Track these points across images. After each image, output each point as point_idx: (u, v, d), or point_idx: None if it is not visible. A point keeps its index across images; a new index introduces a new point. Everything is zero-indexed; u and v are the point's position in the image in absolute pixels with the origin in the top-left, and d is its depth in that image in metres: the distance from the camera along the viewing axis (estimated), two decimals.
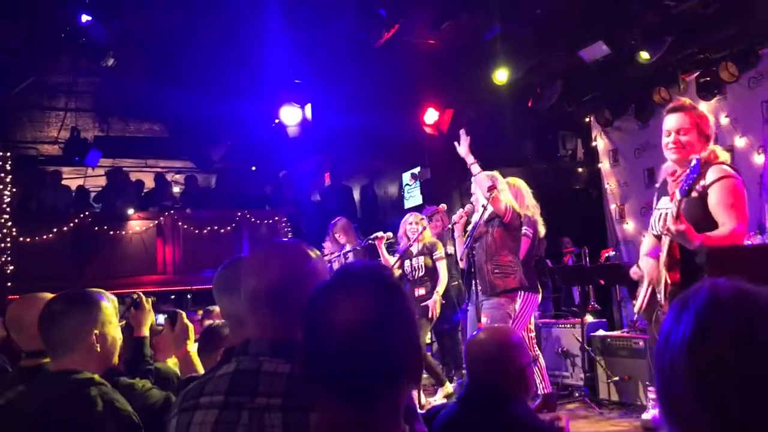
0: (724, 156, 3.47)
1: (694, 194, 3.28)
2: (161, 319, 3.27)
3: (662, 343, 1.00)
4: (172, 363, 3.19)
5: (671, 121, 3.51)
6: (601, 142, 9.25)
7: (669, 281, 3.38)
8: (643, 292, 3.57)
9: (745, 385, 0.90)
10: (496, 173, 5.48)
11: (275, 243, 1.72)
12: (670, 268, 3.38)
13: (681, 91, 7.78)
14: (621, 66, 7.66)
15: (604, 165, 9.16)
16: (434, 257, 6.53)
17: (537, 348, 6.05)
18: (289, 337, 1.55)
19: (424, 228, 6.54)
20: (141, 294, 2.57)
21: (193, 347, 2.15)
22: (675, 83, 7.71)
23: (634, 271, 3.74)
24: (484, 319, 5.03)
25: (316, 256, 1.69)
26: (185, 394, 1.62)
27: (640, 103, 8.18)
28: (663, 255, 3.38)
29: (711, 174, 3.32)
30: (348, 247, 6.96)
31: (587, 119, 9.38)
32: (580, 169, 10.24)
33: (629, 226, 8.69)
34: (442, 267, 6.49)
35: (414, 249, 6.62)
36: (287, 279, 1.61)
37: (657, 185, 3.71)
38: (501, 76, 7.87)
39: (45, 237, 10.20)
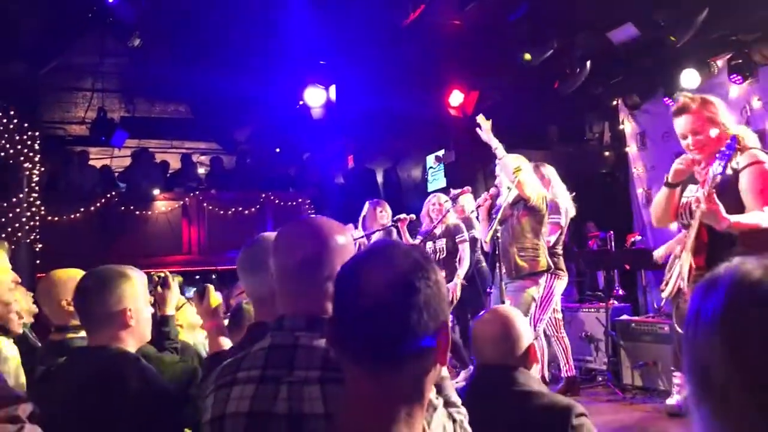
0: (752, 139, 3.43)
1: (727, 172, 3.25)
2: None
3: (692, 320, 1.00)
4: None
5: (680, 125, 3.48)
6: (628, 126, 9.13)
7: (693, 265, 3.35)
8: (674, 278, 3.54)
9: None
10: (520, 157, 5.43)
11: (304, 219, 1.73)
12: (695, 252, 3.35)
13: (711, 73, 7.65)
14: (650, 48, 7.53)
15: (632, 149, 9.05)
16: (457, 240, 6.48)
17: (563, 330, 6.01)
18: (323, 312, 1.57)
19: (448, 210, 6.48)
20: (168, 273, 2.60)
21: (221, 321, 2.17)
22: (705, 66, 7.57)
23: (657, 255, 3.72)
24: (507, 302, 5.01)
25: (344, 232, 1.69)
26: (222, 370, 1.63)
27: (669, 86, 8.04)
28: (690, 239, 3.36)
29: (742, 159, 3.30)
30: (376, 227, 6.91)
31: (614, 102, 9.26)
32: (606, 153, 10.12)
33: None
34: (465, 249, 6.44)
35: (437, 231, 6.57)
36: (316, 253, 1.62)
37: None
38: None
39: (72, 216, 10.35)
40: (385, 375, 1.15)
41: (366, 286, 1.17)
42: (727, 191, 3.26)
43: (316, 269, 1.61)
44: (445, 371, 1.76)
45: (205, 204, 11.25)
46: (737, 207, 3.26)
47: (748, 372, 0.91)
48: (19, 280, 2.90)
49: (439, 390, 1.68)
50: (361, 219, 7.10)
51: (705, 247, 3.32)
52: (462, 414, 1.72)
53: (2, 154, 8.99)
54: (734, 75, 7.31)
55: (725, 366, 0.93)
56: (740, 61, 7.22)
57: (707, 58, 7.59)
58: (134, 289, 2.21)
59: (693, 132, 3.43)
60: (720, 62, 7.63)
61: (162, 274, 2.60)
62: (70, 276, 2.64)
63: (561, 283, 5.69)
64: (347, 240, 1.69)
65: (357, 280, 1.19)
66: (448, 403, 1.71)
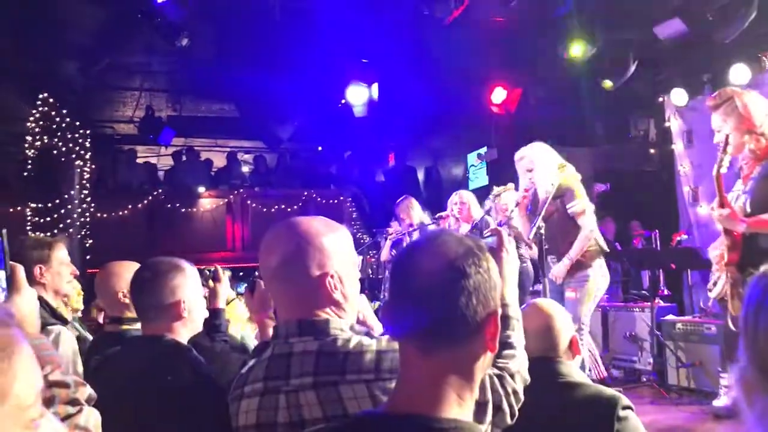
0: None
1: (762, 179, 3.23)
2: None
3: (753, 311, 1.02)
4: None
5: (713, 121, 3.47)
6: (674, 123, 8.96)
7: (728, 261, 3.33)
8: (723, 279, 3.50)
9: None
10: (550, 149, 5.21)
11: (287, 221, 1.71)
12: (730, 250, 3.32)
13: (762, 68, 7.47)
14: (697, 43, 7.39)
15: (678, 146, 8.89)
16: (485, 236, 6.22)
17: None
18: (313, 315, 1.58)
19: (468, 207, 6.20)
20: (219, 267, 2.66)
21: (271, 313, 2.21)
22: (755, 61, 7.41)
23: (710, 253, 3.68)
24: (572, 294, 4.88)
25: (332, 231, 1.67)
26: (235, 383, 1.65)
27: (717, 83, 7.88)
28: (723, 236, 3.34)
29: None
30: (415, 225, 6.87)
31: (660, 99, 9.10)
32: (651, 151, 9.96)
33: (703, 209, 8.42)
34: None
35: (463, 229, 6.19)
36: (292, 254, 1.59)
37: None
38: (574, 52, 7.67)
39: (121, 213, 10.60)
40: (435, 356, 1.19)
41: (419, 269, 1.21)
42: (764, 188, 3.23)
43: (297, 270, 1.59)
44: None
45: (248, 201, 11.41)
46: None
47: None
48: (78, 273, 3.00)
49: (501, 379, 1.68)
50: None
51: (738, 245, 3.28)
52: (511, 366, 1.72)
53: (54, 151, 9.25)
54: None
55: None
56: None
57: (757, 52, 7.42)
58: (188, 281, 2.26)
59: (717, 129, 3.42)
60: None
61: (212, 268, 2.65)
62: (127, 268, 2.71)
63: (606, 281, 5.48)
64: (338, 238, 1.66)
65: (410, 264, 1.24)
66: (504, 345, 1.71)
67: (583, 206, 4.91)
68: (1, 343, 0.97)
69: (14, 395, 0.96)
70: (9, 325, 1.01)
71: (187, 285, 2.26)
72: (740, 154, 3.38)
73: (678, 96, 8.45)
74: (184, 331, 2.27)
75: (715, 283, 3.55)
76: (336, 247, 1.63)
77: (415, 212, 6.98)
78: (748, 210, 3.32)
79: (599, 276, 4.93)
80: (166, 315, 2.22)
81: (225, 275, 2.69)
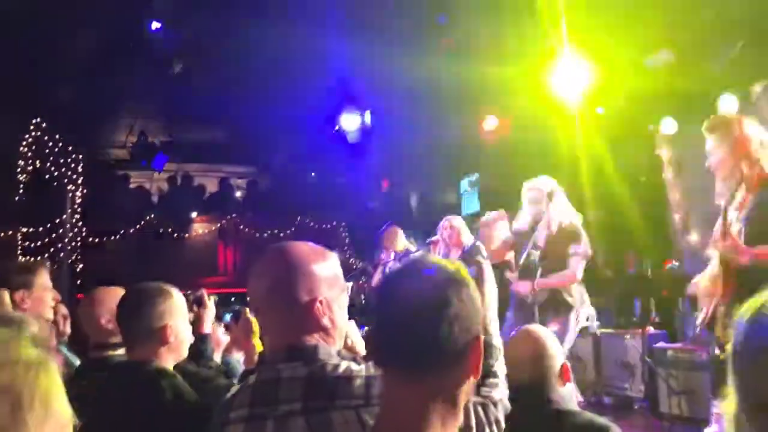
0: None
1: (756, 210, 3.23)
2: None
3: (742, 345, 1.06)
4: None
5: (707, 144, 3.48)
6: (665, 151, 9.03)
7: (721, 292, 3.32)
8: (707, 306, 3.50)
9: None
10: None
11: (276, 246, 1.70)
12: (725, 281, 3.31)
13: (750, 99, 7.55)
14: (686, 72, 7.47)
15: (669, 175, 8.95)
16: (477, 259, 6.05)
17: None
18: (301, 340, 1.58)
19: (458, 232, 6.08)
20: (204, 291, 2.65)
21: (257, 341, 2.21)
22: (744, 91, 7.48)
23: (693, 285, 3.67)
24: (554, 327, 4.84)
25: (322, 258, 1.67)
26: (221, 408, 1.63)
27: (707, 112, 7.96)
28: (716, 265, 3.34)
29: None
30: (401, 252, 6.86)
31: (651, 127, 9.18)
32: (643, 179, 10.01)
33: (693, 237, 8.45)
34: (487, 270, 5.99)
35: (453, 255, 6.07)
36: (282, 282, 1.60)
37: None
38: (571, 82, 7.67)
39: (112, 238, 10.57)
40: (419, 384, 1.20)
41: (401, 298, 1.23)
42: (762, 216, 3.22)
43: (286, 296, 1.59)
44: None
45: (241, 227, 11.41)
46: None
47: None
48: (59, 298, 2.98)
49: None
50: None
51: (732, 276, 3.27)
52: (494, 395, 1.73)
53: (47, 176, 9.25)
54: None
55: None
56: None
57: (745, 83, 7.50)
58: (175, 305, 2.26)
59: (711, 152, 3.43)
60: (759, 87, 7.53)
61: (198, 293, 2.64)
62: (110, 294, 2.70)
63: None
64: (327, 264, 1.66)
65: (394, 292, 1.26)
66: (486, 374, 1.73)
67: (587, 253, 4.88)
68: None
69: (55, 410, 0.97)
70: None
71: (174, 310, 2.26)
72: (733, 180, 3.38)
73: (668, 125, 8.52)
74: (170, 357, 2.27)
75: (702, 310, 3.55)
76: (325, 273, 1.64)
77: (399, 240, 6.97)
78: (743, 239, 3.32)
79: (580, 308, 4.96)
80: (152, 340, 2.21)
81: (210, 300, 2.68)
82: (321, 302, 1.60)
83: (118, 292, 2.55)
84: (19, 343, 1.01)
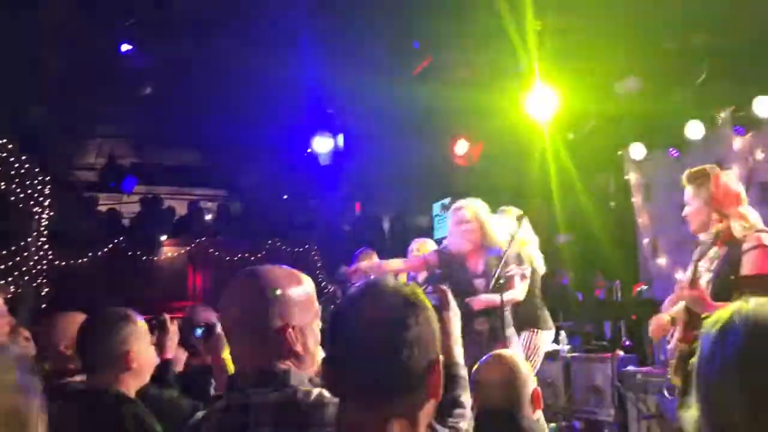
0: (753, 216, 3.35)
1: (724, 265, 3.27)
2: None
3: (707, 363, 1.05)
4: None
5: (686, 193, 3.53)
6: (633, 176, 9.16)
7: (682, 337, 3.36)
8: (676, 332, 3.52)
9: None
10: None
11: (249, 270, 1.69)
12: (686, 325, 3.33)
13: (716, 125, 7.71)
14: (655, 99, 7.61)
15: (637, 199, 9.07)
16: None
17: None
18: (273, 365, 1.55)
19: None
20: (167, 316, 2.61)
21: (227, 354, 2.20)
22: (709, 118, 7.64)
23: (656, 321, 3.68)
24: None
25: (297, 282, 1.65)
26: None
27: (674, 138, 8.10)
28: (683, 310, 3.38)
29: (746, 243, 3.26)
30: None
31: (619, 152, 9.31)
32: (612, 203, 10.14)
33: (662, 261, 8.55)
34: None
35: (420, 278, 5.94)
36: (256, 306, 1.58)
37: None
38: (540, 108, 7.79)
39: (79, 261, 10.39)
40: (378, 410, 1.18)
41: (358, 324, 1.21)
42: (729, 272, 3.27)
43: (258, 322, 1.57)
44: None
45: (211, 250, 11.28)
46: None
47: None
48: (13, 323, 2.91)
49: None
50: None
51: (697, 323, 3.29)
52: (461, 426, 1.72)
53: (12, 198, 9.09)
54: (738, 127, 7.36)
55: (744, 404, 0.97)
56: (743, 113, 7.28)
57: (711, 109, 7.65)
58: (137, 332, 2.23)
59: (689, 203, 3.48)
60: (724, 114, 7.69)
61: (161, 318, 2.60)
62: (70, 320, 2.66)
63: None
64: (302, 289, 1.64)
65: (351, 318, 1.23)
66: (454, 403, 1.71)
67: (523, 273, 4.82)
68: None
69: None
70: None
71: (136, 336, 2.24)
72: (705, 231, 3.43)
73: (636, 150, 8.66)
74: (133, 383, 2.23)
75: (672, 335, 3.57)
76: (298, 298, 1.62)
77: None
78: (710, 291, 3.36)
79: (544, 332, 4.98)
80: (113, 366, 2.18)
81: (174, 325, 2.63)
82: (293, 328, 1.58)
83: (77, 318, 2.52)
84: (15, 367, 1.01)
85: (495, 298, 4.48)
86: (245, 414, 1.49)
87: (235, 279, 1.66)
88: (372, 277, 5.90)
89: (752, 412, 0.95)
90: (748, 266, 3.23)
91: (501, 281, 4.48)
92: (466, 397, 1.80)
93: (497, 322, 4.57)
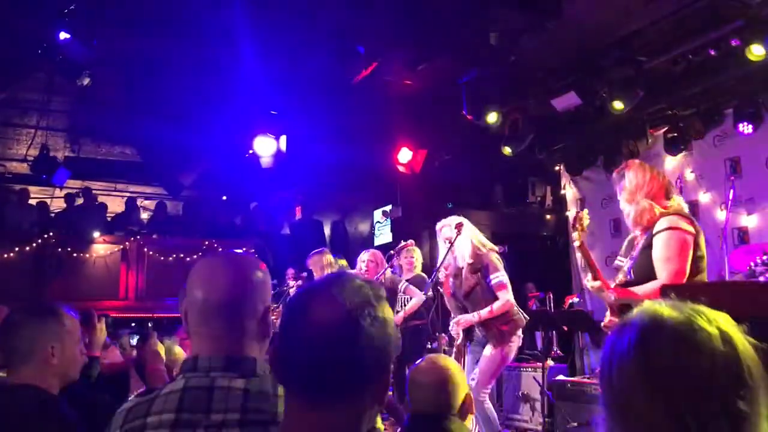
0: (676, 204, 3.42)
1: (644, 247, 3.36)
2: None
3: (608, 355, 1.09)
4: None
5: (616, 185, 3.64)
6: (569, 191, 9.39)
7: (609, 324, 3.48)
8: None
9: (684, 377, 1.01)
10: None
11: (223, 253, 1.67)
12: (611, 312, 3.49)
13: (649, 144, 7.97)
14: (592, 117, 7.82)
15: (572, 213, 9.28)
16: (400, 292, 6.16)
17: None
18: (241, 352, 1.53)
19: (377, 265, 6.19)
20: (93, 312, 2.53)
21: (161, 365, 2.14)
22: (643, 137, 7.89)
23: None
24: (496, 353, 4.87)
25: (262, 267, 1.65)
26: (128, 414, 1.53)
27: (609, 155, 8.33)
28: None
29: (659, 224, 3.31)
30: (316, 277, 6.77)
31: (557, 167, 9.53)
32: (548, 216, 10.36)
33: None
34: (407, 301, 6.17)
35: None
36: (239, 293, 1.56)
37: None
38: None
39: (7, 255, 10.01)
40: (324, 409, 1.15)
41: (312, 320, 1.16)
42: (644, 257, 3.35)
43: (239, 309, 1.55)
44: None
45: (145, 249, 11.02)
46: (652, 275, 3.29)
47: (661, 393, 1.01)
48: None
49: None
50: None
51: (624, 308, 3.40)
52: None
53: None
54: (669, 147, 7.62)
55: (642, 391, 1.02)
56: (675, 134, 7.54)
57: (645, 129, 7.91)
58: (61, 326, 2.15)
59: (618, 193, 3.58)
60: (657, 134, 7.96)
61: (87, 313, 2.53)
62: None
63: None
64: (266, 276, 1.64)
65: (305, 313, 1.18)
66: None
67: (502, 279, 4.94)
68: None
69: None
70: None
71: (59, 330, 2.17)
72: (630, 220, 3.50)
73: (572, 165, 8.88)
74: (55, 380, 2.16)
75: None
76: (267, 284, 1.63)
77: (327, 267, 6.88)
78: (630, 277, 3.45)
79: (517, 344, 5.04)
80: (34, 362, 2.11)
81: (100, 321, 2.56)
82: (270, 309, 1.60)
83: (1, 311, 2.42)
84: None
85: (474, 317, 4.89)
86: (209, 396, 1.46)
87: (210, 261, 1.63)
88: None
89: (646, 397, 1.01)
90: (657, 249, 3.27)
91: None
92: None
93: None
